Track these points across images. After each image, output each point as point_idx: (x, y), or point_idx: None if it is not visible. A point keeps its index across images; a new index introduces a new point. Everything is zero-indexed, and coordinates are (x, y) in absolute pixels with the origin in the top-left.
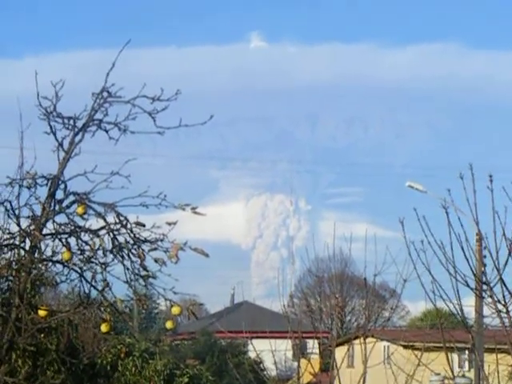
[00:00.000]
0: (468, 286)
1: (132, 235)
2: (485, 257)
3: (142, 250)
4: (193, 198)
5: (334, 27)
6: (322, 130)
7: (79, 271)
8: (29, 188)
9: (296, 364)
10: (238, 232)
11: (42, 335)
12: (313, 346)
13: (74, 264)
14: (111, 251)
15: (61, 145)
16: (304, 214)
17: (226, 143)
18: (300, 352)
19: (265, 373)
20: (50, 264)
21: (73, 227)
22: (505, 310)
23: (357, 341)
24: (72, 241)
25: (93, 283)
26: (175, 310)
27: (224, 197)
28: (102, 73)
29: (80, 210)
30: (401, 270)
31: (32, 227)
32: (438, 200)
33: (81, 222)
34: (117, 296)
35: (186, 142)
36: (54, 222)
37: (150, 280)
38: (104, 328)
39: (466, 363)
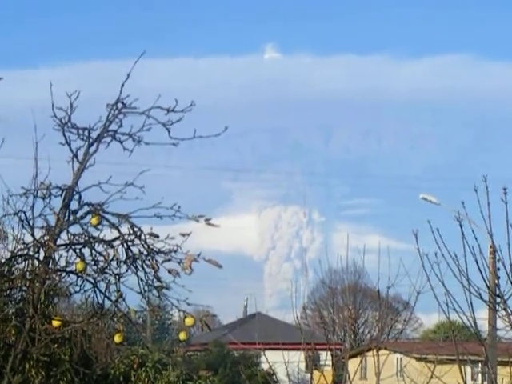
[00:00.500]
0: (481, 298)
1: (146, 246)
2: (498, 269)
3: (156, 260)
4: (206, 209)
5: (348, 39)
6: (336, 142)
7: (93, 282)
8: (43, 198)
9: (309, 376)
10: (251, 243)
11: (56, 345)
12: (326, 357)
13: (88, 275)
14: (125, 262)
15: (75, 155)
16: (317, 225)
17: (239, 154)
18: (313, 364)
19: None
20: (64, 274)
21: (87, 238)
22: None
23: (370, 353)
24: (86, 251)
25: (106, 294)
26: (189, 321)
27: (237, 208)
28: (116, 84)
29: (94, 220)
30: (414, 282)
31: (46, 238)
32: (452, 212)
33: (95, 233)
34: (130, 307)
35: (200, 153)
36: (68, 232)
37: (164, 291)
38: (117, 338)
39: (480, 376)
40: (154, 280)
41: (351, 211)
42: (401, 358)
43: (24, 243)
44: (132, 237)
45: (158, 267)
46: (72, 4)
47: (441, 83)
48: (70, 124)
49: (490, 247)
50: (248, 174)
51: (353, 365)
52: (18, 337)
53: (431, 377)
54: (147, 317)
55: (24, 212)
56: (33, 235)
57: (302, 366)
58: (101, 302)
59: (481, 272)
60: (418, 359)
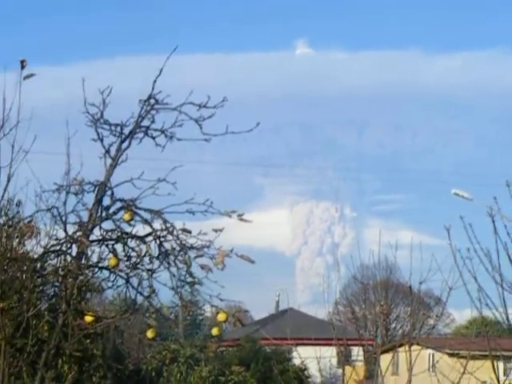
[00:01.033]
0: None
1: (178, 242)
2: None
3: (189, 256)
4: (238, 205)
5: (379, 34)
6: (368, 137)
7: (125, 277)
8: (76, 194)
9: (341, 371)
10: (283, 239)
11: (88, 341)
12: (357, 353)
13: (121, 270)
14: (157, 258)
15: (108, 151)
16: (349, 221)
17: (271, 150)
18: (345, 359)
19: (309, 380)
20: (97, 270)
21: (119, 233)
22: None
23: (402, 348)
24: (119, 247)
25: (139, 289)
26: (221, 317)
27: (269, 204)
28: (148, 80)
29: (127, 216)
30: (446, 277)
31: (79, 233)
32: (485, 208)
33: (127, 229)
34: (163, 302)
35: (232, 149)
36: (100, 228)
37: (196, 286)
38: (150, 334)
39: None
40: (187, 275)
41: (383, 207)
42: (433, 354)
43: (57, 239)
44: (164, 232)
45: (191, 263)
46: (103, 1)
47: (473, 78)
48: (102, 120)
49: None
50: (280, 169)
51: (384, 360)
52: (51, 332)
53: (463, 372)
54: (179, 312)
55: (57, 208)
56: (65, 231)
57: (334, 361)
58: (133, 297)
59: None
60: (450, 355)
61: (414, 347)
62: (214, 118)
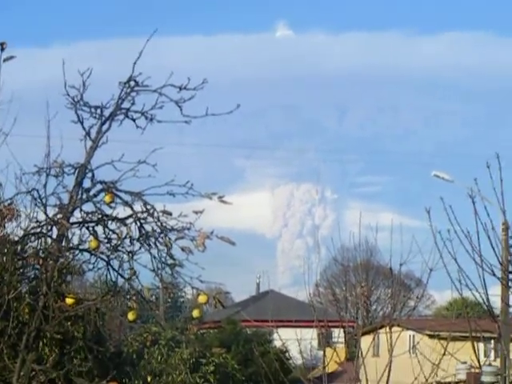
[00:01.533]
0: (494, 275)
1: (159, 224)
2: (511, 246)
3: (169, 238)
4: (219, 187)
5: (360, 16)
6: (350, 119)
7: (106, 260)
8: (56, 177)
9: (321, 353)
10: (264, 221)
11: (69, 323)
12: (338, 335)
13: (101, 252)
14: (138, 240)
15: (88, 134)
16: (330, 203)
17: (253, 132)
18: (325, 341)
19: (290, 361)
20: (77, 252)
21: (100, 216)
22: None
23: (382, 330)
24: (99, 229)
25: (120, 271)
26: (202, 299)
27: (250, 186)
28: (128, 62)
29: (107, 198)
30: (427, 259)
31: (59, 216)
32: (465, 189)
33: (108, 211)
34: (143, 284)
35: (213, 131)
36: (81, 210)
37: (177, 268)
38: (130, 316)
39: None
40: (167, 258)
41: (364, 189)
42: (413, 335)
43: (37, 221)
44: (145, 214)
45: (171, 245)
46: None
47: (454, 60)
48: (82, 102)
49: (503, 224)
50: (261, 151)
51: (365, 342)
52: (32, 315)
53: (444, 354)
54: (160, 294)
55: (37, 190)
56: (46, 213)
57: (315, 343)
58: (114, 279)
59: (493, 249)
60: (431, 336)
61: (395, 329)
62: (195, 101)
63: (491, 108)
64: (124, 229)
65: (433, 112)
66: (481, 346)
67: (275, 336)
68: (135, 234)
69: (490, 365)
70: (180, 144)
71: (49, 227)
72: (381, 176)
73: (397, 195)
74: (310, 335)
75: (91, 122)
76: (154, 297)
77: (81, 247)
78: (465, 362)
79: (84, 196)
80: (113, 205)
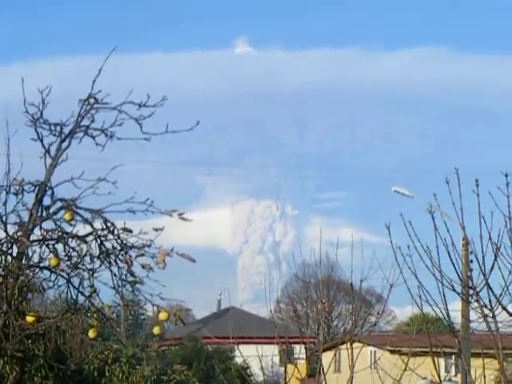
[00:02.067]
0: (454, 290)
1: (119, 241)
2: (471, 261)
3: (129, 255)
4: (180, 204)
5: (321, 32)
6: (309, 135)
7: (66, 277)
8: (16, 194)
9: (283, 369)
10: (225, 237)
11: (30, 341)
12: (299, 351)
13: (62, 270)
14: (98, 257)
15: (48, 151)
16: (290, 219)
17: (212, 149)
18: (287, 357)
19: (252, 378)
20: (38, 270)
21: (60, 233)
22: (491, 315)
23: (343, 346)
24: (59, 247)
25: (80, 289)
26: (162, 316)
27: (210, 202)
28: (88, 79)
29: (67, 216)
30: (387, 275)
31: (19, 233)
32: (425, 205)
33: (68, 229)
34: (104, 302)
35: (172, 149)
36: (41, 228)
37: (137, 286)
38: (91, 334)
39: (453, 368)
40: (128, 275)
41: (324, 204)
42: (375, 351)
43: None
44: (105, 232)
45: (132, 262)
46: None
47: (414, 76)
48: (41, 120)
49: (463, 239)
50: (221, 168)
51: (326, 358)
52: None
53: (405, 369)
54: (121, 312)
55: None
56: (6, 231)
57: (276, 359)
58: (74, 297)
59: (453, 264)
60: (392, 352)
61: (356, 344)
62: (155, 118)
63: (451, 124)
64: (84, 246)
65: (393, 128)
66: (441, 361)
67: (236, 353)
68: (95, 251)
69: (450, 380)
70: (140, 161)
71: (9, 245)
72: (341, 192)
73: (357, 211)
74: (272, 351)
75: (51, 139)
76: (114, 314)
77: (41, 265)
78: (425, 378)
79: (44, 214)
80: (73, 222)
